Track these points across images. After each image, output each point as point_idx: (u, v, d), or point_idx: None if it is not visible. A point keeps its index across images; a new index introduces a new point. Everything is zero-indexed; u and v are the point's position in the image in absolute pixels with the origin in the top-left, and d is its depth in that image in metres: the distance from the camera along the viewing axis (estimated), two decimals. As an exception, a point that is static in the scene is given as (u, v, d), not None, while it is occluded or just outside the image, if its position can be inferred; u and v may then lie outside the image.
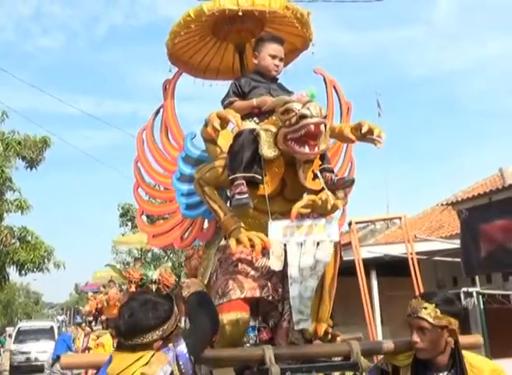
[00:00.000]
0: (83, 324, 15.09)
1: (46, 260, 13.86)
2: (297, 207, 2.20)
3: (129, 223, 20.18)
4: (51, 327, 21.51)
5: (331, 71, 3.11)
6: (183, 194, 2.70)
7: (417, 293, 5.17)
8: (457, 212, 6.35)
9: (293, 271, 2.19)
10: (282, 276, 2.39)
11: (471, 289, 7.06)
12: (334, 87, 3.09)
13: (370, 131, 2.28)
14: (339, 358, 2.14)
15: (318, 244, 2.23)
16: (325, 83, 3.06)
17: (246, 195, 2.20)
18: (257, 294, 2.32)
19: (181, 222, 2.72)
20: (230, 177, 2.28)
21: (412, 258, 6.08)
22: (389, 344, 2.11)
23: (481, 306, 7.11)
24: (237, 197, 2.20)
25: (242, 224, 2.32)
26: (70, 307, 39.41)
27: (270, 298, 2.35)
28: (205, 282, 2.48)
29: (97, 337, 8.30)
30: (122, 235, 18.43)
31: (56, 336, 15.68)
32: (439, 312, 1.99)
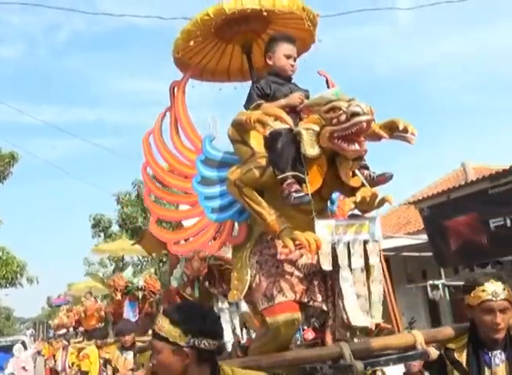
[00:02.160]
0: (54, 339, 14.30)
1: (18, 275, 13.94)
2: (349, 204, 2.23)
3: (102, 234, 20.01)
4: (23, 342, 19.81)
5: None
6: (207, 197, 2.61)
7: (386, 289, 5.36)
8: (419, 211, 6.70)
9: (343, 271, 2.21)
10: (323, 275, 2.40)
11: (437, 281, 7.40)
12: (334, 89, 3.18)
13: (405, 129, 2.37)
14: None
15: (364, 243, 2.29)
16: (327, 84, 3.14)
17: (303, 193, 2.20)
18: (306, 297, 2.32)
19: (207, 226, 2.63)
20: (280, 177, 2.26)
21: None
22: (447, 331, 2.20)
23: (448, 298, 7.46)
24: (295, 195, 2.19)
25: (289, 224, 2.30)
26: (42, 321, 37.93)
27: (314, 299, 2.35)
28: (245, 285, 2.41)
29: (79, 349, 7.89)
30: (96, 246, 17.89)
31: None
32: (510, 291, 2.15)
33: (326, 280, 2.41)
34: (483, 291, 2.20)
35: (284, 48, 2.69)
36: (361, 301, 2.23)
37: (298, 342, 2.45)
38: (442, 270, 7.25)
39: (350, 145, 2.21)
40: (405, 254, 8.70)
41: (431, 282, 7.39)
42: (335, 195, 2.76)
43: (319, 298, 2.37)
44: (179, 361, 1.74)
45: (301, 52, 3.11)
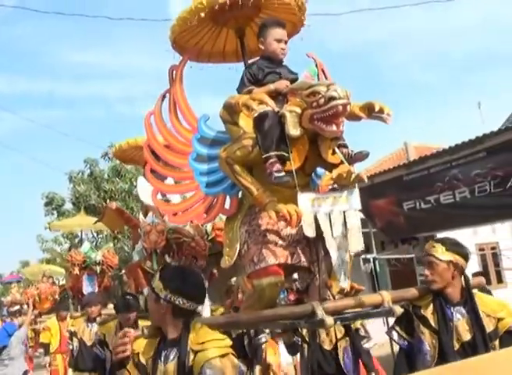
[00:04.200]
0: (9, 316, 14.58)
1: None
2: (326, 180, 2.48)
3: (55, 212, 20.12)
4: None
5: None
6: (202, 173, 2.87)
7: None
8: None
9: (328, 238, 2.46)
10: (307, 242, 2.67)
11: (368, 256, 8.13)
12: (322, 70, 3.38)
13: (381, 110, 2.59)
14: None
15: (344, 213, 2.53)
16: (316, 65, 3.34)
17: (283, 173, 2.44)
18: (289, 260, 2.59)
19: (202, 199, 2.90)
20: (264, 156, 2.50)
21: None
22: (413, 291, 2.49)
23: (378, 269, 8.46)
24: (276, 175, 2.43)
25: (274, 197, 2.56)
26: None
27: (300, 263, 2.63)
28: (235, 252, 2.69)
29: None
30: (48, 224, 18.19)
31: None
32: (444, 248, 2.45)
33: (311, 247, 2.68)
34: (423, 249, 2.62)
35: (274, 33, 2.89)
36: (344, 266, 2.50)
37: (283, 302, 2.74)
38: (373, 246, 7.93)
39: (328, 126, 2.43)
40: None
41: (363, 256, 7.95)
42: (322, 171, 3.00)
43: (304, 260, 2.64)
44: (159, 309, 2.10)
45: (291, 35, 3.30)
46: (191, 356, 2.00)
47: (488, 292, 8.01)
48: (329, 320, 2.18)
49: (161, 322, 2.11)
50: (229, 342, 2.09)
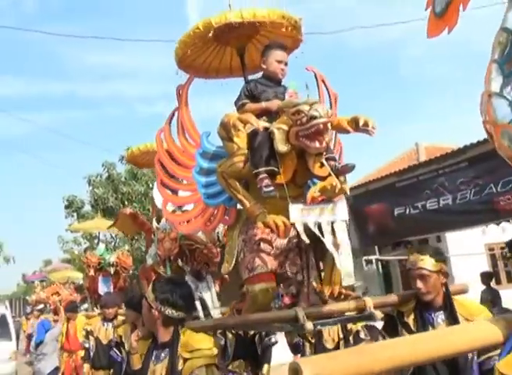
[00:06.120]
0: (32, 313, 15.23)
1: None
2: (312, 192, 2.65)
3: (75, 214, 20.79)
4: (3, 316, 13.13)
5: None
6: (203, 185, 3.10)
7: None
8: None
9: (326, 244, 2.60)
10: (298, 250, 2.85)
11: (371, 257, 8.54)
12: (323, 81, 3.52)
13: (365, 124, 2.72)
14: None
15: (332, 223, 2.69)
16: (316, 78, 3.48)
17: (272, 188, 2.63)
18: (280, 268, 2.78)
19: (204, 210, 3.13)
20: (254, 172, 2.69)
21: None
22: (394, 297, 2.62)
23: (381, 271, 9.06)
24: (265, 189, 2.62)
25: (264, 209, 2.75)
26: (18, 298, 39.26)
27: (290, 271, 2.81)
28: (233, 259, 2.91)
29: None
30: (69, 226, 19.16)
31: (12, 329, 12.51)
32: (433, 260, 2.54)
33: (301, 255, 2.86)
34: (408, 261, 2.65)
35: (276, 54, 3.08)
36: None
37: (276, 306, 2.93)
38: (376, 248, 8.29)
39: (312, 143, 2.60)
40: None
41: (366, 257, 7.97)
42: (316, 182, 3.15)
43: (294, 269, 2.82)
44: (151, 317, 2.36)
45: (292, 50, 3.47)
46: (180, 361, 2.26)
47: (496, 293, 7.90)
48: (309, 325, 2.36)
49: (153, 327, 2.37)
50: (214, 352, 2.34)
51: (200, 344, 2.32)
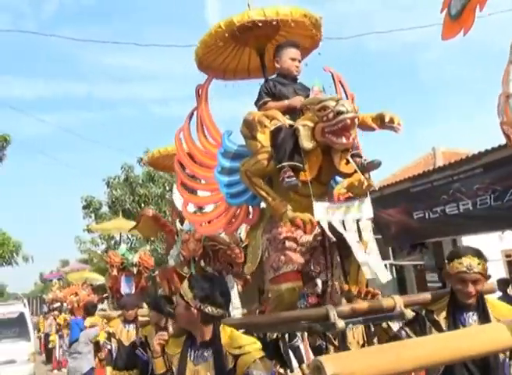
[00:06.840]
0: (50, 312, 15.12)
1: (14, 254, 14.86)
2: (339, 189, 2.61)
3: (93, 215, 20.93)
4: (22, 315, 12.26)
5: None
6: (226, 185, 3.06)
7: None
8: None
9: (349, 240, 2.56)
10: (323, 248, 2.80)
11: (385, 262, 8.47)
12: (340, 82, 3.50)
13: (391, 120, 2.69)
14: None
15: (357, 221, 2.64)
16: (333, 78, 3.46)
17: (294, 179, 2.59)
18: (306, 268, 2.73)
19: (226, 210, 3.09)
20: (278, 166, 2.66)
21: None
22: (426, 296, 2.56)
23: (395, 275, 9.27)
24: (287, 180, 2.58)
25: (290, 207, 2.71)
26: (36, 296, 39.66)
27: (314, 270, 2.76)
28: (257, 259, 2.86)
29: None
30: (87, 226, 19.53)
31: (30, 329, 12.08)
32: (482, 263, 2.48)
33: (326, 253, 2.81)
34: (460, 263, 2.53)
35: (289, 52, 3.07)
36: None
37: (302, 306, 2.88)
38: (390, 252, 8.26)
39: (338, 139, 2.57)
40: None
41: None
42: (338, 181, 3.12)
43: (317, 269, 2.77)
44: (189, 316, 2.27)
45: (311, 49, 3.46)
46: (229, 359, 2.19)
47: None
48: (341, 324, 2.31)
49: (191, 326, 2.30)
50: (260, 345, 2.27)
51: (245, 340, 2.26)
